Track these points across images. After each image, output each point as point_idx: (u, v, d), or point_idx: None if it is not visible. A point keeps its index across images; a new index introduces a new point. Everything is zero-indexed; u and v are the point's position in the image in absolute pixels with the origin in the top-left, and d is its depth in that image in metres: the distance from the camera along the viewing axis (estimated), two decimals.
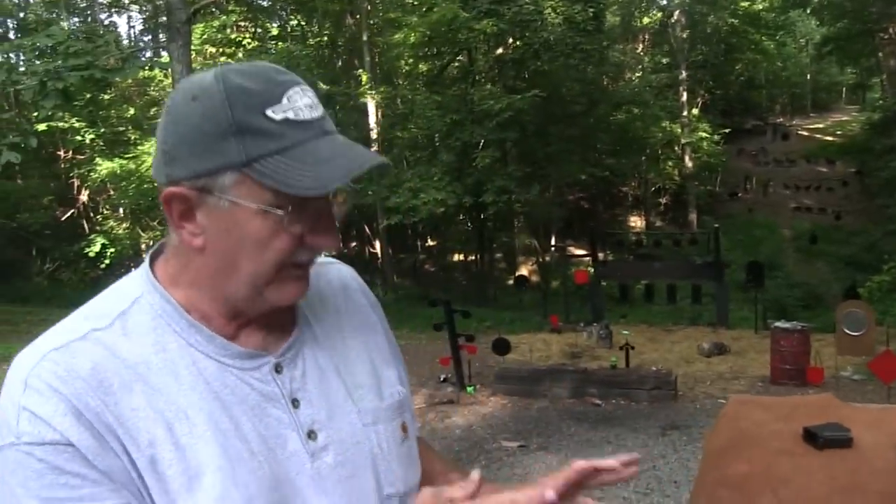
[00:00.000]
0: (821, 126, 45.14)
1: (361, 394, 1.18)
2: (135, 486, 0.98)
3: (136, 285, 1.11)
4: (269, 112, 0.99)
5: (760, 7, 35.45)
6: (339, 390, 1.16)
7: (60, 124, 21.46)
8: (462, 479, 1.12)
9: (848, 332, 9.41)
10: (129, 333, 1.04)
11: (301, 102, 1.01)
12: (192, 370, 1.05)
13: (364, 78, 24.23)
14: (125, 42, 25.45)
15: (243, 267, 1.04)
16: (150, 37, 29.06)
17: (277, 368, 1.11)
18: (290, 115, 1.00)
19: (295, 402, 1.10)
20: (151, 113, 23.52)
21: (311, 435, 1.10)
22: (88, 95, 16.47)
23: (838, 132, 42.09)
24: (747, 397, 1.73)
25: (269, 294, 1.07)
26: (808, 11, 31.27)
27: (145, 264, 1.13)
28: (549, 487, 1.12)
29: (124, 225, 25.07)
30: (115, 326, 1.05)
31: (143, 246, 25.44)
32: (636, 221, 34.35)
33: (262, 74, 1.02)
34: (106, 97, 21.92)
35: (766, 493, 1.44)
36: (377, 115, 24.91)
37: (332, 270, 1.28)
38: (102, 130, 23.16)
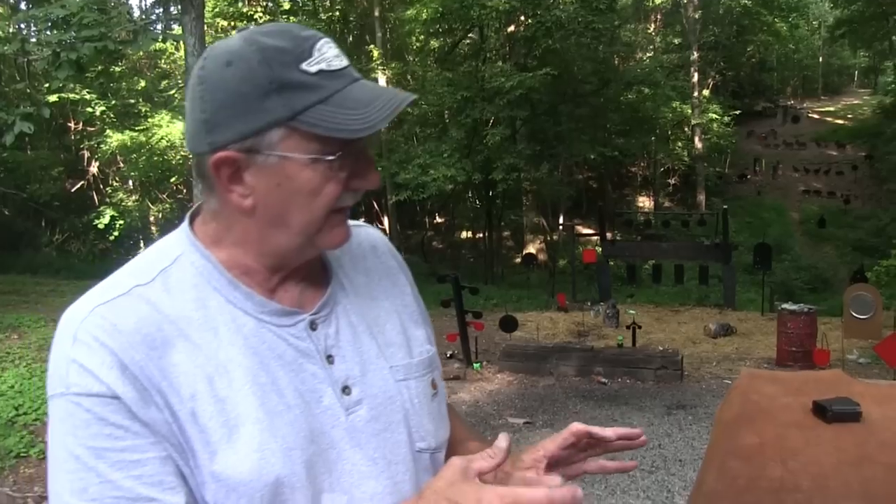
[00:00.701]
0: (831, 109, 45.04)
1: (392, 351, 1.23)
2: (176, 439, 1.02)
3: (176, 244, 1.15)
4: (303, 66, 1.03)
5: None
6: (371, 348, 1.20)
7: (71, 96, 21.43)
8: (482, 447, 1.15)
9: (855, 315, 9.42)
10: (170, 290, 1.08)
11: (330, 53, 1.06)
12: (230, 326, 1.09)
13: (375, 53, 24.13)
14: (136, 14, 25.37)
15: (294, 218, 1.08)
16: (161, 9, 28.94)
17: (312, 325, 1.15)
18: (324, 66, 1.05)
19: (329, 359, 1.14)
20: (162, 85, 23.47)
21: (346, 390, 1.14)
22: (100, 67, 16.46)
23: (849, 116, 41.99)
24: (759, 371, 1.77)
25: (320, 240, 1.12)
26: None
27: (185, 225, 1.17)
28: (549, 452, 1.19)
29: (134, 197, 25.06)
30: (156, 282, 1.09)
31: (152, 218, 25.45)
32: (645, 202, 34.32)
33: (287, 32, 1.07)
34: (117, 69, 21.86)
35: (775, 463, 1.48)
36: None
37: (361, 232, 1.32)
38: (113, 102, 23.08)
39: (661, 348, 10.82)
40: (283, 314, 1.13)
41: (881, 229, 25.76)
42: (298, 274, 1.17)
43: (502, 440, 1.05)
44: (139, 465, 0.99)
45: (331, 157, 1.05)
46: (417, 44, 27.20)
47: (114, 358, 1.00)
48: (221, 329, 1.08)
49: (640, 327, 11.44)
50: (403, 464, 1.18)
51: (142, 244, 26.19)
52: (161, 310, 1.06)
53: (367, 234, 1.35)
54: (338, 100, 1.04)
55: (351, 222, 1.24)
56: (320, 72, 1.04)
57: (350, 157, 1.08)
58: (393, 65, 24.62)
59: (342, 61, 1.08)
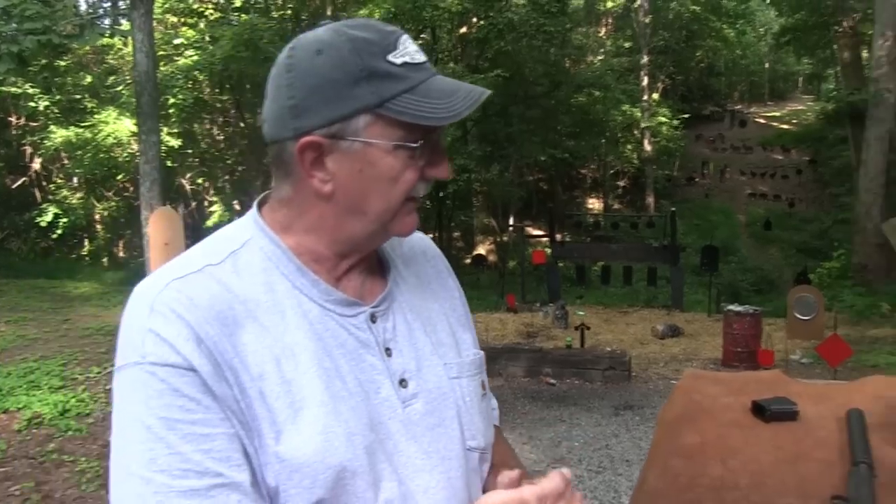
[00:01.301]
0: (777, 114, 45.79)
1: (444, 350, 1.26)
2: (243, 417, 1.03)
3: (245, 229, 1.18)
4: (390, 57, 1.08)
5: None
6: (425, 344, 1.23)
7: (12, 90, 20.93)
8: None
9: (798, 316, 9.57)
10: (239, 272, 1.11)
11: (412, 48, 1.11)
12: (297, 311, 1.12)
13: None
14: (83, 8, 24.91)
15: (372, 205, 1.12)
16: (109, 3, 28.50)
17: (373, 318, 1.18)
18: (408, 58, 1.10)
19: (387, 351, 1.17)
20: (109, 81, 23.04)
21: (402, 383, 1.17)
22: (44, 61, 16.14)
23: (794, 121, 42.75)
24: (701, 372, 1.78)
25: (392, 227, 1.16)
26: (768, 1, 31.58)
27: (253, 211, 1.20)
28: None
29: (78, 195, 24.53)
30: (226, 263, 1.11)
31: (97, 216, 24.97)
32: (594, 203, 34.57)
33: (372, 26, 1.12)
34: (62, 64, 21.46)
35: (716, 462, 1.49)
36: None
37: (413, 237, 1.35)
38: (58, 97, 22.60)
39: (609, 349, 10.90)
40: (346, 304, 1.16)
41: (824, 232, 26.25)
42: (362, 265, 1.21)
43: (561, 476, 1.06)
44: (209, 440, 0.99)
45: (414, 145, 1.09)
46: None
47: (190, 330, 1.02)
48: (288, 313, 1.11)
49: (588, 328, 11.53)
50: (456, 460, 1.19)
51: (86, 243, 25.73)
52: (231, 289, 1.08)
53: (419, 239, 1.40)
54: (422, 90, 1.09)
55: None
56: (405, 64, 1.09)
57: (428, 146, 1.12)
58: None
59: (422, 56, 1.12)
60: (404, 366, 1.18)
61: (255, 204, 1.21)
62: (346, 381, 1.10)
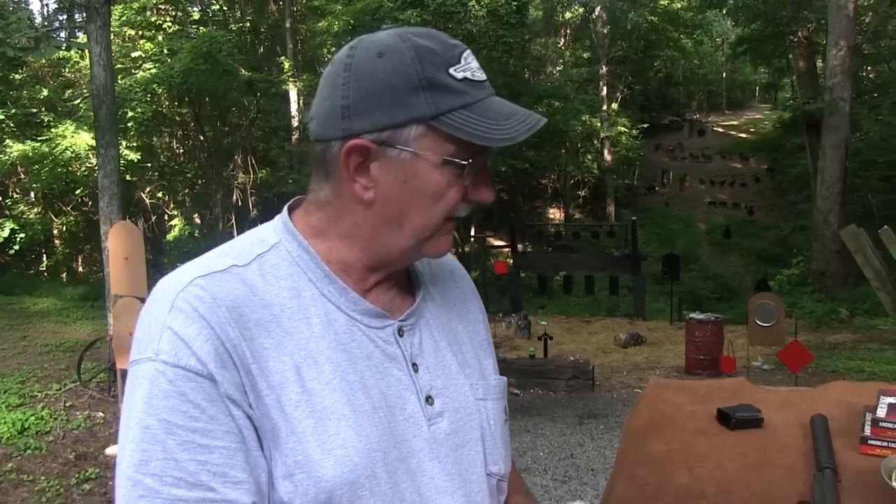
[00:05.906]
0: (735, 123, 46.31)
1: (470, 371, 1.23)
2: (258, 423, 1.00)
3: (273, 233, 1.14)
4: (451, 71, 1.05)
5: (679, 6, 36.11)
6: (452, 363, 1.20)
7: None
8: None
9: (759, 323, 9.66)
10: (265, 275, 1.08)
11: (474, 64, 1.09)
12: (323, 319, 1.08)
13: (286, 65, 23.94)
14: (38, 20, 24.57)
15: (412, 219, 1.09)
16: (65, 16, 28.13)
17: (400, 332, 1.15)
18: (468, 74, 1.07)
19: (414, 367, 1.14)
20: (66, 95, 22.79)
21: (429, 400, 1.14)
22: None
23: (752, 129, 43.25)
24: (666, 381, 1.79)
25: (428, 246, 1.13)
26: (724, 12, 31.94)
27: (283, 214, 1.17)
28: None
29: (36, 210, 24.25)
30: (252, 266, 1.08)
31: (56, 231, 24.66)
32: (555, 213, 34.69)
33: (437, 37, 1.08)
34: (17, 77, 21.16)
35: (682, 470, 1.50)
36: (299, 103, 24.65)
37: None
38: (13, 111, 22.28)
39: (572, 358, 10.93)
40: (374, 315, 1.13)
41: (783, 239, 26.54)
42: (391, 280, 1.18)
43: None
44: (207, 451, 0.96)
45: (464, 162, 1.06)
46: (329, 56, 27.03)
47: (210, 332, 0.99)
48: (313, 320, 1.08)
49: (551, 338, 11.55)
50: (477, 483, 1.17)
51: (44, 258, 25.38)
52: (256, 292, 1.05)
53: (447, 258, 1.35)
54: (480, 108, 1.05)
55: None
56: (465, 79, 1.06)
57: (476, 167, 1.09)
58: (304, 77, 24.44)
59: (483, 74, 1.10)
60: (431, 382, 1.15)
61: (285, 208, 1.18)
62: (371, 395, 1.07)
